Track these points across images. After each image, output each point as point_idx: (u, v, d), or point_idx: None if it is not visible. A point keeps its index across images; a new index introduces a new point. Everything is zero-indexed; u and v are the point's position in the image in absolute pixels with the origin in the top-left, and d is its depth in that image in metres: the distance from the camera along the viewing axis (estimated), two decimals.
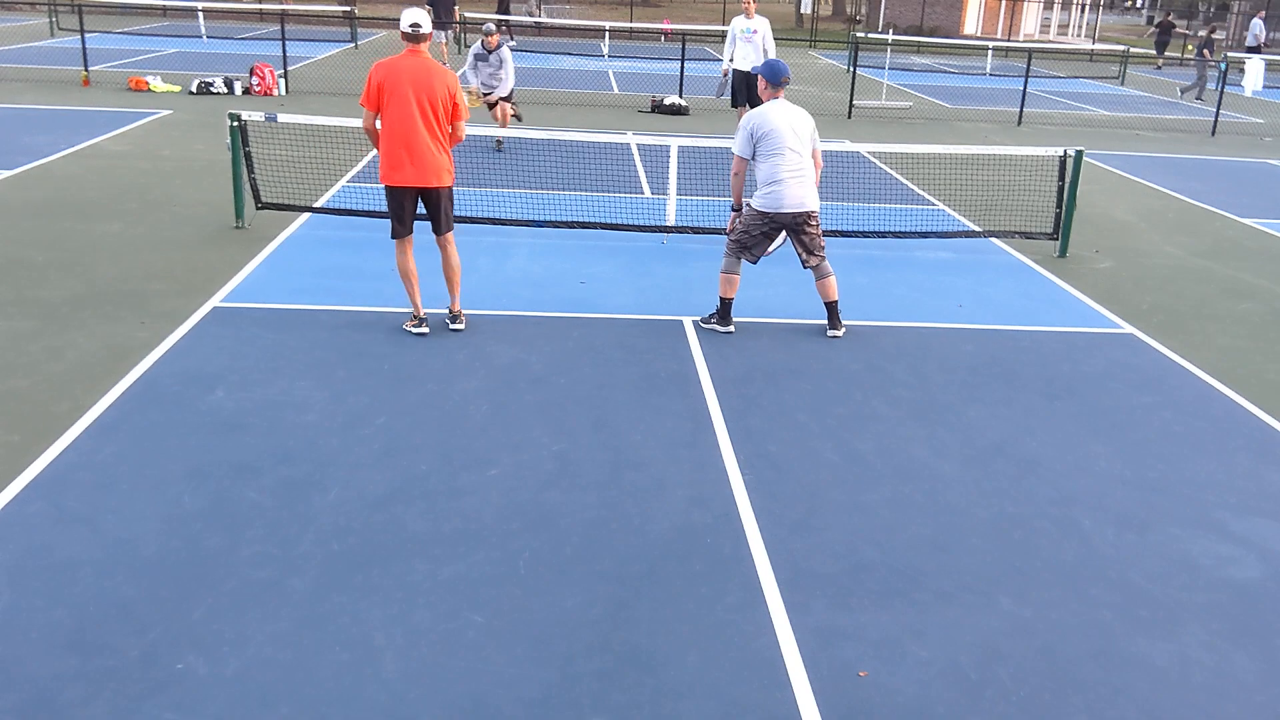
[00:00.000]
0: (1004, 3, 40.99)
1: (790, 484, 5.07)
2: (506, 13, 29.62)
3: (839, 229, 9.37)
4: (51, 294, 7.20)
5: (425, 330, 6.70)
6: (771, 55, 13.15)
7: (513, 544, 4.43)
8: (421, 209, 6.69)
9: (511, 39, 27.96)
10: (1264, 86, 21.35)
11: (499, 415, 5.64)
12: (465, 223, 9.15)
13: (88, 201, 9.68)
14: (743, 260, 7.03)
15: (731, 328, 7.08)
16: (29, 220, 8.98)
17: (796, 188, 6.83)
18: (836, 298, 7.11)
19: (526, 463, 5.14)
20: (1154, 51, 32.77)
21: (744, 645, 3.86)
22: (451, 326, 6.81)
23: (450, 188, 6.70)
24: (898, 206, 10.89)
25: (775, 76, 6.94)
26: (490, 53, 12.54)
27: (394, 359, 6.31)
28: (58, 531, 4.36)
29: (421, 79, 6.39)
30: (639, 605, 4.06)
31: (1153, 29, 39.39)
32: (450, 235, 6.80)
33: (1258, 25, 28.53)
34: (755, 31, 13.24)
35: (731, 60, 13.50)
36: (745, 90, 13.28)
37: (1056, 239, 9.51)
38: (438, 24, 25.18)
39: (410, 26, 6.43)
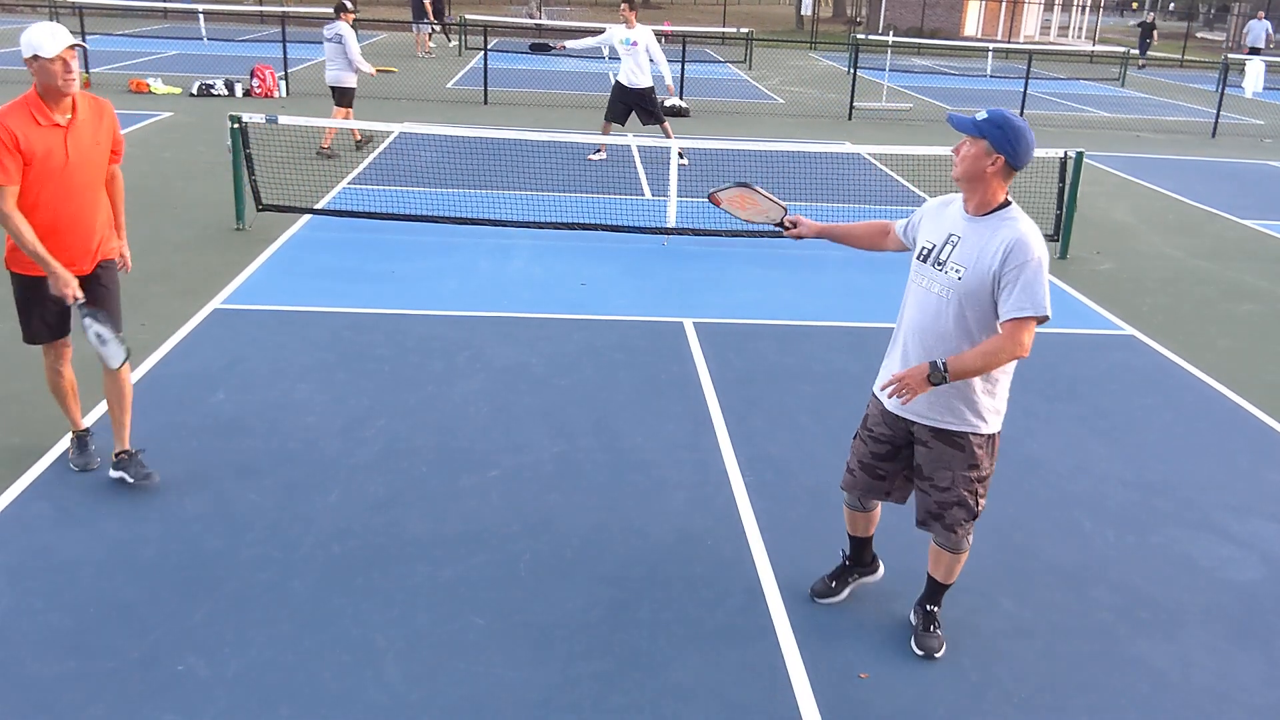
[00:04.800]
0: (1004, 4, 41.02)
1: (791, 486, 5.06)
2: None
3: None
4: None
5: (92, 466, 4.88)
6: (663, 67, 12.12)
7: (513, 546, 4.43)
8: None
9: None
10: (1264, 88, 21.34)
11: (499, 417, 5.64)
12: (465, 224, 9.17)
13: None
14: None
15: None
16: None
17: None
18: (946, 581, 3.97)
19: (527, 465, 5.14)
20: (1137, 52, 32.82)
21: (745, 647, 3.85)
22: (117, 474, 4.72)
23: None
24: (898, 208, 10.88)
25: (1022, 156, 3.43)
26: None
27: (395, 361, 6.31)
28: (58, 533, 4.36)
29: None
30: (640, 607, 4.05)
31: (1135, 25, 39.46)
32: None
33: (1257, 26, 28.52)
34: (635, 44, 11.97)
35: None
36: (622, 106, 12.16)
37: (1057, 240, 9.51)
38: (416, 20, 25.63)
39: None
